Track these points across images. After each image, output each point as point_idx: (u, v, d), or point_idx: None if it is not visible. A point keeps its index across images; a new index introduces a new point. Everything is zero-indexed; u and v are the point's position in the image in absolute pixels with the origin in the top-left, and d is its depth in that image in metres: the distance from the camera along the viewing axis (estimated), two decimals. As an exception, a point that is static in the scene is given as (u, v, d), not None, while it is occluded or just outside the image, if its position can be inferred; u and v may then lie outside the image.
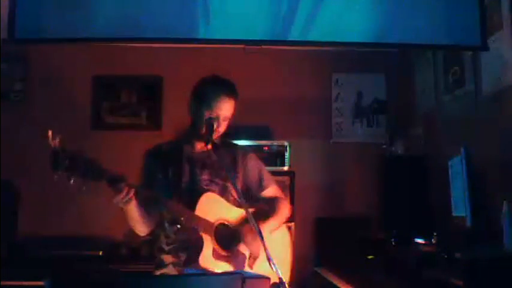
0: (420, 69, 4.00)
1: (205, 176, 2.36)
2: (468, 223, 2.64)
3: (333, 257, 3.68)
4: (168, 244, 2.33)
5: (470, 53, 3.16)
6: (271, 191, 2.49)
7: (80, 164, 1.97)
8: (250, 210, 2.19)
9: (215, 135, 2.30)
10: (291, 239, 2.51)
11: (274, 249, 2.01)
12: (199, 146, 2.37)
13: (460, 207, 2.75)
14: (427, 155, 3.67)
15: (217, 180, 2.36)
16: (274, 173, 2.62)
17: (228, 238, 2.29)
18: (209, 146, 2.24)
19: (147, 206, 2.23)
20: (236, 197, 2.31)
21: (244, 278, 1.70)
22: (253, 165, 2.48)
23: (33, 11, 2.65)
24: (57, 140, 1.92)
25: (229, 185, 2.33)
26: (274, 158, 3.90)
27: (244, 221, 2.28)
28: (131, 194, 2.08)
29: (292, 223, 2.56)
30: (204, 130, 2.28)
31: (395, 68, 4.37)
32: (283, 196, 2.56)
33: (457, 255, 2.37)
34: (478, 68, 3.10)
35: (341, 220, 4.10)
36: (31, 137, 3.81)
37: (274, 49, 3.42)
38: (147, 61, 4.20)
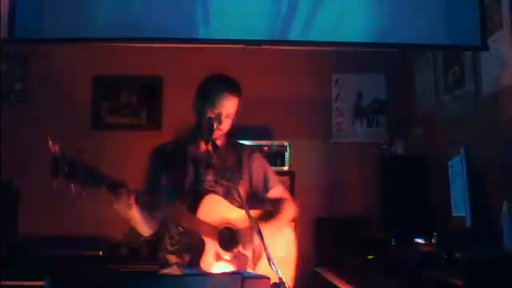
0: (420, 69, 4.00)
1: (209, 177, 2.36)
2: (468, 223, 2.64)
3: (333, 257, 3.68)
4: (172, 245, 2.34)
5: (470, 53, 3.16)
6: (276, 191, 2.50)
7: (79, 170, 1.96)
8: (256, 212, 2.19)
9: (216, 134, 2.30)
10: (296, 239, 2.51)
11: (278, 249, 2.01)
12: (204, 146, 2.37)
13: (460, 207, 2.75)
14: (427, 155, 3.67)
15: (221, 181, 2.35)
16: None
17: (231, 240, 2.29)
18: (209, 146, 2.24)
19: (150, 208, 2.22)
20: (237, 198, 2.31)
21: (244, 278, 1.70)
22: (259, 166, 2.48)
23: (33, 11, 2.65)
24: (57, 146, 1.92)
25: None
26: (274, 158, 3.90)
27: (248, 222, 2.28)
28: (131, 199, 2.08)
29: (292, 223, 2.56)
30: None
31: (395, 68, 4.37)
32: (288, 197, 2.57)
33: (457, 255, 2.38)
34: (478, 68, 3.10)
35: (341, 220, 4.10)
36: (31, 137, 3.83)
37: (274, 49, 3.42)
38: (147, 61, 4.20)
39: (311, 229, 4.10)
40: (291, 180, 3.89)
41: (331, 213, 4.17)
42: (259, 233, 2.01)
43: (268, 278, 1.81)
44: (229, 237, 2.29)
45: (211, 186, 2.35)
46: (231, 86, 2.35)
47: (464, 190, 2.67)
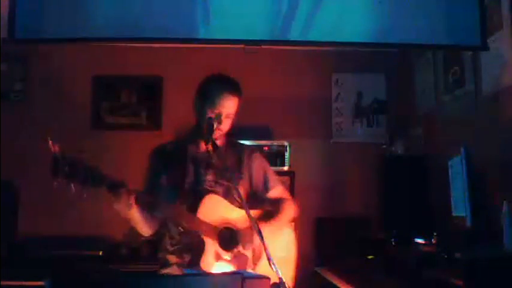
0: (420, 69, 4.00)
1: (210, 177, 2.36)
2: (468, 223, 2.64)
3: (333, 257, 3.68)
4: (172, 245, 2.34)
5: (470, 53, 3.16)
6: (276, 191, 2.50)
7: (79, 170, 1.96)
8: (256, 212, 2.18)
9: (216, 134, 2.30)
10: (296, 239, 2.51)
11: (278, 249, 2.01)
12: (204, 146, 2.37)
13: (460, 207, 2.75)
14: (427, 155, 3.67)
15: (221, 181, 2.35)
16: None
17: (231, 240, 2.29)
18: (209, 146, 2.24)
19: (150, 208, 2.22)
20: (237, 198, 2.31)
21: (244, 278, 1.70)
22: (259, 166, 2.48)
23: (33, 11, 2.65)
24: (57, 146, 1.92)
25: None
26: (274, 158, 3.90)
27: (248, 222, 2.28)
28: (131, 200, 2.08)
29: (292, 223, 2.56)
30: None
31: (395, 68, 4.37)
32: (288, 197, 2.56)
33: (457, 255, 2.38)
34: (478, 68, 3.10)
35: (341, 220, 4.10)
36: (31, 137, 3.83)
37: (274, 49, 3.42)
38: (147, 61, 4.20)
39: (311, 229, 4.10)
40: (291, 180, 3.89)
41: (331, 213, 4.17)
42: (259, 233, 2.01)
43: (268, 278, 1.81)
44: (229, 237, 2.29)
45: (211, 186, 2.35)
46: (231, 86, 2.36)
47: (464, 190, 2.66)
